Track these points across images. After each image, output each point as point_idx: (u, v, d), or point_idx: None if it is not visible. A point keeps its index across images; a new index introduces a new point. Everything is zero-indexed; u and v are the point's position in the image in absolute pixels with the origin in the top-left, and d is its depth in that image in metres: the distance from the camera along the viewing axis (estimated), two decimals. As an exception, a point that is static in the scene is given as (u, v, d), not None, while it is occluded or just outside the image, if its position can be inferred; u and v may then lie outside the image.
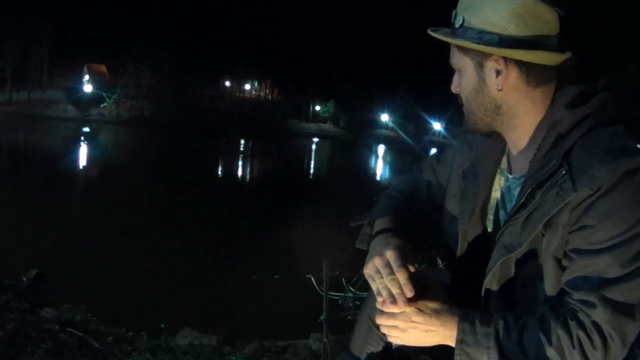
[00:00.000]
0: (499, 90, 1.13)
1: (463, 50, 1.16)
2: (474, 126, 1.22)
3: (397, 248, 1.19)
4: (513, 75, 1.11)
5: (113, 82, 66.52)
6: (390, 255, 1.18)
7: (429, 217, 1.43)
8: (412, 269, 1.18)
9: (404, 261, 1.17)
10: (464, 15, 1.14)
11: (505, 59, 1.10)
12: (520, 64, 1.10)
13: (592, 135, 1.04)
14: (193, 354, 2.74)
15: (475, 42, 1.10)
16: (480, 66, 1.14)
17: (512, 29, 1.08)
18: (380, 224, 1.34)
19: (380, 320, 1.15)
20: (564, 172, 1.02)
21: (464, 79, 1.19)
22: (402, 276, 1.14)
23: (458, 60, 1.19)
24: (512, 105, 1.14)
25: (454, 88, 1.24)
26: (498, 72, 1.12)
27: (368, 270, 1.21)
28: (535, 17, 1.08)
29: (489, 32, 1.10)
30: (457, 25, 1.15)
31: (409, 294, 1.12)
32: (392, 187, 1.51)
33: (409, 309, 1.11)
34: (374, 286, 1.18)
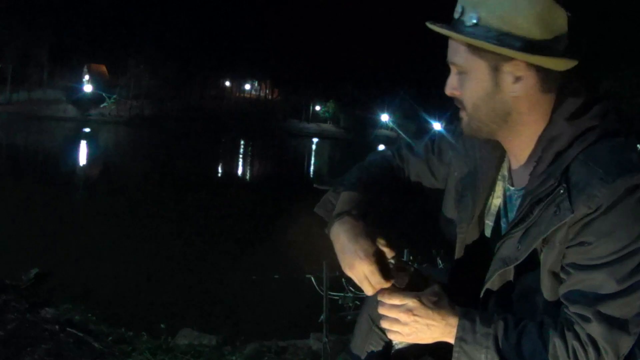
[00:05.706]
0: (514, 97, 1.07)
1: (476, 50, 1.06)
2: (476, 133, 1.14)
3: (369, 258, 1.15)
4: (531, 81, 1.05)
5: (113, 82, 66.65)
6: (366, 269, 1.15)
7: (408, 202, 1.41)
8: (391, 256, 1.17)
9: (383, 274, 1.14)
10: (478, 12, 1.04)
11: (527, 64, 1.04)
12: (539, 69, 1.04)
13: (592, 149, 1.01)
14: (193, 354, 2.74)
15: (495, 44, 1.02)
16: (495, 70, 1.06)
17: (535, 33, 1.01)
18: (344, 202, 1.27)
19: (382, 311, 1.13)
20: (561, 191, 1.00)
21: (473, 82, 1.09)
22: (384, 290, 1.15)
23: (466, 61, 1.08)
24: (523, 113, 1.08)
25: (450, 90, 1.13)
26: (517, 78, 1.05)
27: (348, 274, 1.19)
28: (555, 20, 1.03)
29: (511, 35, 1.02)
30: (468, 23, 1.05)
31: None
32: (370, 160, 1.42)
33: (411, 302, 1.10)
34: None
